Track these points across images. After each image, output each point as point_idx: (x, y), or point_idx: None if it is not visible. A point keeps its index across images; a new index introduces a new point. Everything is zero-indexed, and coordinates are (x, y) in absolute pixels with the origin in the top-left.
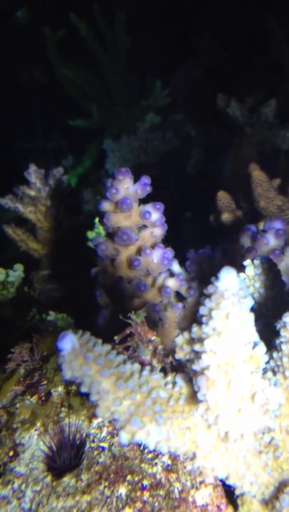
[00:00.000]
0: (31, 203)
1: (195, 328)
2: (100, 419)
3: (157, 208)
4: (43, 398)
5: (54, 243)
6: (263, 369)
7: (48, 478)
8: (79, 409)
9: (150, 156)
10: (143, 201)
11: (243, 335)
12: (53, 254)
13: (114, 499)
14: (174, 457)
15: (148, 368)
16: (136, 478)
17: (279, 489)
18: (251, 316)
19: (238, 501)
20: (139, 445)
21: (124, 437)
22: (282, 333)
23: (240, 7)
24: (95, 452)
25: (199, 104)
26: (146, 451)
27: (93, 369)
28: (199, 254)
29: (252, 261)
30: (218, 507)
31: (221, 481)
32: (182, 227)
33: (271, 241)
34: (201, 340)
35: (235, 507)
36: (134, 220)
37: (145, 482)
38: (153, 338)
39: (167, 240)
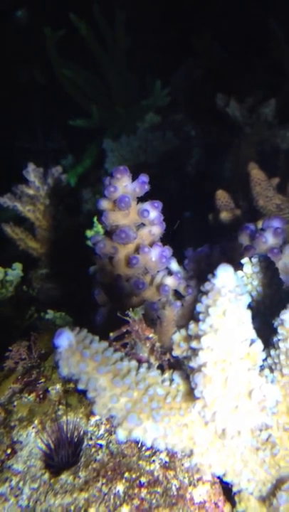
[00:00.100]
0: (30, 201)
1: (192, 325)
2: (97, 417)
3: (155, 206)
4: (41, 396)
5: (53, 242)
6: (260, 366)
7: (46, 476)
8: (77, 407)
9: (150, 156)
10: (141, 200)
11: (240, 332)
12: (51, 252)
13: (112, 496)
14: (171, 454)
15: (145, 365)
16: (133, 476)
17: (276, 486)
18: (248, 313)
19: (236, 498)
20: (137, 442)
21: (121, 434)
22: (280, 330)
23: (240, 7)
24: (93, 450)
25: (199, 104)
26: (144, 448)
27: (90, 366)
28: (197, 253)
29: (250, 259)
30: (215, 504)
31: (219, 478)
32: (182, 227)
33: (270, 239)
34: (198, 337)
35: (233, 504)
36: (132, 218)
37: (143, 479)
38: (151, 335)
39: (167, 240)
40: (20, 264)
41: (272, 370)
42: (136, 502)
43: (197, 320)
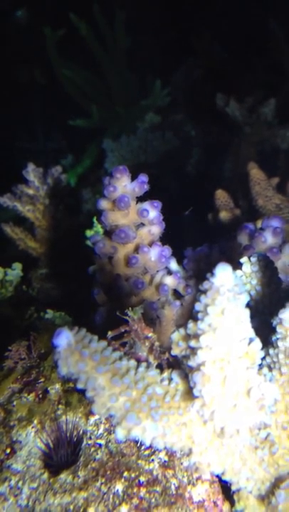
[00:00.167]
0: (30, 201)
1: (191, 324)
2: (97, 417)
3: (155, 205)
4: (40, 396)
5: (52, 242)
6: (259, 365)
7: (45, 475)
8: (76, 407)
9: (150, 156)
10: (141, 199)
11: (238, 331)
12: (51, 252)
13: (111, 495)
14: (170, 453)
15: (144, 364)
16: (133, 475)
17: (275, 485)
18: (247, 312)
19: (235, 497)
20: (136, 442)
21: (120, 433)
22: (278, 329)
23: (240, 7)
24: (92, 449)
25: (199, 104)
26: (143, 447)
27: (89, 365)
28: (197, 252)
29: (249, 258)
30: (214, 503)
31: (218, 476)
32: (181, 226)
33: (269, 239)
34: (196, 336)
35: (232, 503)
36: (131, 218)
37: (142, 478)
38: (150, 334)
39: (166, 240)
40: (19, 264)
41: (270, 369)
42: (135, 501)
43: (196, 319)
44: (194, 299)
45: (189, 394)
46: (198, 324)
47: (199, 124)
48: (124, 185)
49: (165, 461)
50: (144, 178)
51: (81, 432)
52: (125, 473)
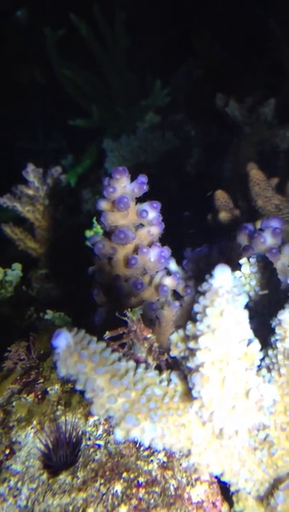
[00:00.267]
0: (29, 202)
1: (189, 326)
2: (96, 417)
3: (154, 206)
4: (40, 396)
5: (52, 242)
6: (258, 366)
7: (44, 476)
8: (75, 407)
9: (150, 156)
10: (141, 200)
11: (237, 332)
12: (51, 253)
13: (110, 496)
14: (169, 454)
15: (143, 365)
16: (132, 476)
17: (274, 486)
18: (245, 313)
19: (234, 498)
20: (135, 442)
21: (119, 434)
22: (277, 330)
23: (240, 7)
24: (91, 450)
25: (199, 104)
26: (142, 448)
27: (88, 366)
28: (196, 253)
29: (248, 259)
30: (213, 504)
31: (217, 477)
32: (181, 227)
33: (268, 240)
34: (195, 337)
35: (231, 504)
36: (131, 218)
37: (141, 479)
38: (149, 335)
39: (166, 240)
40: (19, 265)
41: (269, 370)
42: (134, 502)
43: (195, 320)
44: (194, 300)
45: (188, 395)
46: (197, 325)
47: (199, 124)
48: (123, 186)
49: (164, 462)
50: (143, 178)
51: (80, 432)
52: (124, 474)
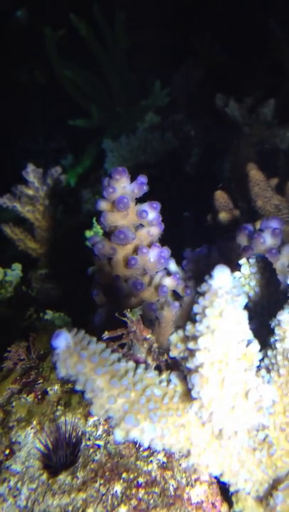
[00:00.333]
0: (29, 202)
1: (189, 326)
2: (95, 418)
3: (154, 207)
4: (39, 396)
5: (52, 242)
6: (257, 367)
7: (44, 476)
8: (75, 408)
9: (149, 156)
10: (141, 200)
11: (236, 332)
12: (51, 253)
13: (110, 496)
14: (169, 455)
15: (143, 366)
16: (131, 476)
17: (273, 486)
18: (245, 314)
19: (233, 498)
20: (135, 443)
21: (118, 435)
22: (277, 331)
23: (240, 7)
24: (91, 450)
25: (199, 104)
26: (141, 449)
27: (88, 367)
28: (196, 254)
29: (247, 260)
30: (212, 504)
31: (216, 478)
32: (181, 227)
33: (268, 240)
34: (195, 338)
35: (230, 504)
36: (130, 219)
37: (140, 479)
38: (148, 336)
39: (166, 240)
40: (19, 265)
41: (269, 371)
42: (134, 502)
43: (194, 321)
44: (193, 301)
45: (188, 395)
46: (197, 326)
47: (199, 124)
48: (123, 186)
49: (164, 463)
50: (143, 179)
51: (80, 433)
52: (124, 475)
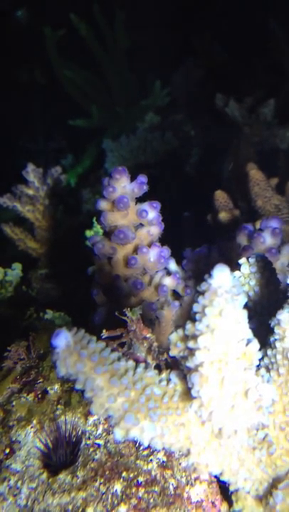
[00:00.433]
0: (29, 202)
1: (189, 325)
2: (95, 417)
3: (154, 206)
4: (40, 396)
5: (52, 242)
6: (257, 366)
7: (44, 475)
8: (75, 407)
9: (149, 156)
10: (141, 200)
11: (236, 332)
12: (51, 253)
13: (110, 495)
14: (169, 454)
15: (142, 365)
16: (131, 475)
17: (273, 485)
18: (244, 313)
19: (233, 497)
20: (135, 442)
21: (118, 434)
22: (276, 330)
23: (240, 7)
24: (91, 449)
25: (199, 104)
26: (141, 448)
27: (87, 366)
28: (196, 253)
29: (247, 259)
30: (212, 503)
31: (216, 477)
32: (181, 227)
33: (268, 240)
34: (194, 337)
35: (230, 503)
36: (130, 218)
37: (140, 478)
38: (148, 335)
39: (166, 240)
40: (19, 265)
41: (268, 370)
42: (133, 501)
43: (194, 320)
44: (193, 300)
45: (187, 395)
46: (196, 325)
47: (199, 124)
48: (123, 185)
49: (163, 462)
50: (143, 178)
51: (80, 432)
52: (124, 474)
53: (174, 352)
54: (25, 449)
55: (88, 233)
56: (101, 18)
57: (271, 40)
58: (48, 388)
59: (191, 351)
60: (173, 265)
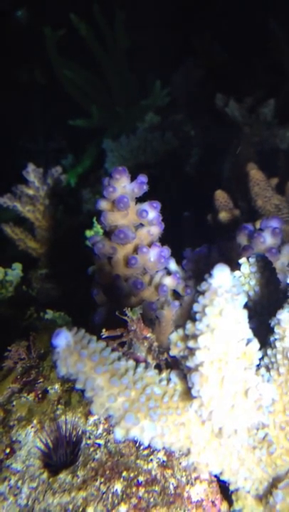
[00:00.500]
0: (30, 202)
1: (189, 325)
2: (96, 417)
3: (154, 206)
4: (40, 396)
5: (52, 242)
6: (257, 365)
7: (45, 475)
8: (75, 407)
9: (149, 156)
10: (141, 200)
11: (236, 331)
12: (51, 253)
13: (110, 495)
14: (169, 453)
15: (143, 364)
16: (131, 475)
17: (273, 485)
18: (244, 313)
19: (233, 497)
20: (135, 442)
21: (118, 433)
22: (276, 330)
23: (240, 7)
24: (91, 449)
25: (199, 104)
26: (141, 447)
27: (88, 366)
28: (196, 253)
29: (247, 259)
30: (212, 502)
31: (216, 476)
32: (181, 227)
33: (268, 239)
34: (194, 336)
35: (230, 502)
36: (131, 218)
37: (141, 478)
38: (148, 335)
39: (166, 240)
40: (19, 265)
41: (268, 369)
42: (134, 501)
43: (194, 320)
44: (193, 300)
45: (188, 394)
46: (197, 325)
47: (199, 124)
48: (123, 185)
49: (164, 461)
50: (143, 178)
51: (80, 431)
52: (124, 473)
53: (174, 351)
54: (26, 448)
55: (88, 233)
56: (101, 18)
57: (271, 40)
58: (49, 388)
59: (192, 351)
60: (173, 265)
